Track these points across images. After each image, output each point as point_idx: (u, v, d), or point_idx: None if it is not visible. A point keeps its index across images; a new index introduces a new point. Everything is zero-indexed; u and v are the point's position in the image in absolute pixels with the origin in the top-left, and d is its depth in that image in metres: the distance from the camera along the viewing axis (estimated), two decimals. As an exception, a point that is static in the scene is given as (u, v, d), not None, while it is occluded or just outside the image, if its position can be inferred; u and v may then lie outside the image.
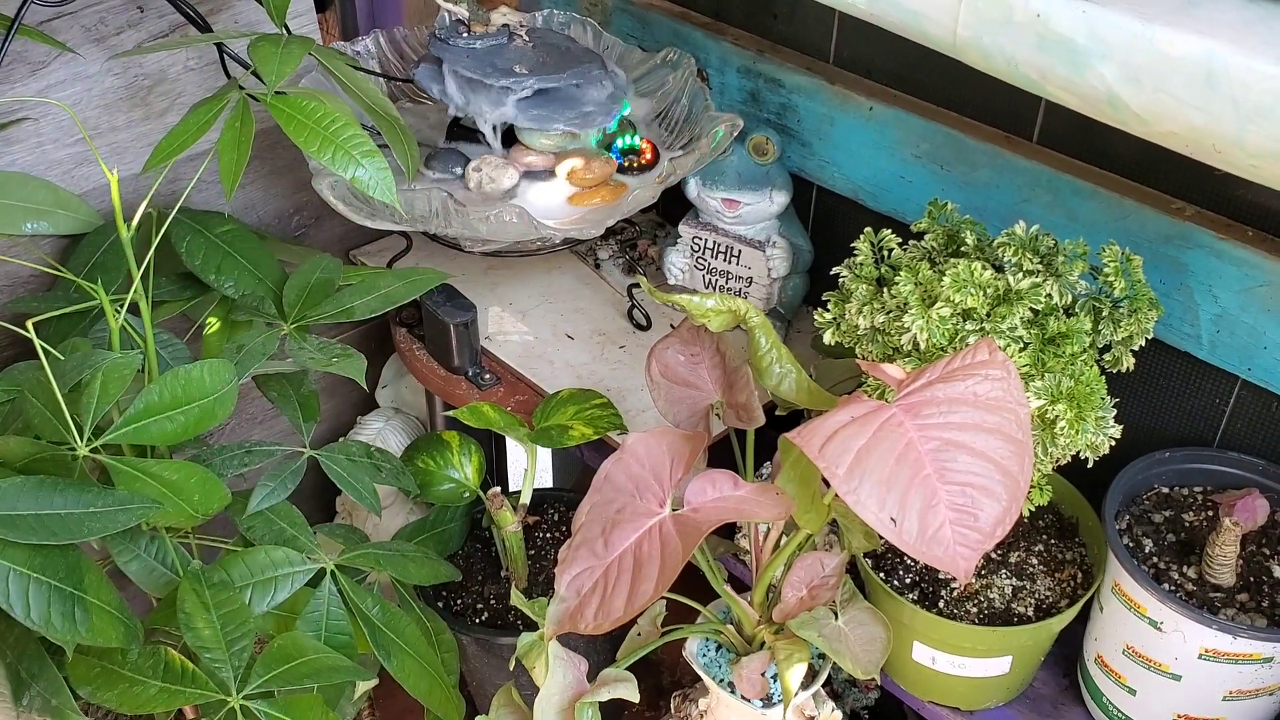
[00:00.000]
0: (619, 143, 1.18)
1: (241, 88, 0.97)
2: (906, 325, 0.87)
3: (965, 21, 0.74)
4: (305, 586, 0.97)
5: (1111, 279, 0.88)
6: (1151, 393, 1.06)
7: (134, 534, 0.94)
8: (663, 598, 0.99)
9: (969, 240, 0.93)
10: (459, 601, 1.15)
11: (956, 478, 0.74)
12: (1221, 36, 0.66)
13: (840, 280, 0.96)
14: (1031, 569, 1.03)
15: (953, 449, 0.75)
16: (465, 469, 1.13)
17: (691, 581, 0.94)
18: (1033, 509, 0.94)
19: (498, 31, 1.13)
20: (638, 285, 1.27)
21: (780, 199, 1.17)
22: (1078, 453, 0.87)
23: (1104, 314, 0.90)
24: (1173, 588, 0.94)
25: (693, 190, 1.19)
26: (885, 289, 0.92)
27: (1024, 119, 1.05)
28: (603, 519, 0.81)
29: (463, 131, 1.19)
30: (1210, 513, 1.00)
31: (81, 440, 0.86)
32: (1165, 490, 1.03)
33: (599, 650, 1.14)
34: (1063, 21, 0.70)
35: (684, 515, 0.79)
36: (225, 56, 1.09)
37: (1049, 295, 0.87)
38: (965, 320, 0.87)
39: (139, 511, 0.84)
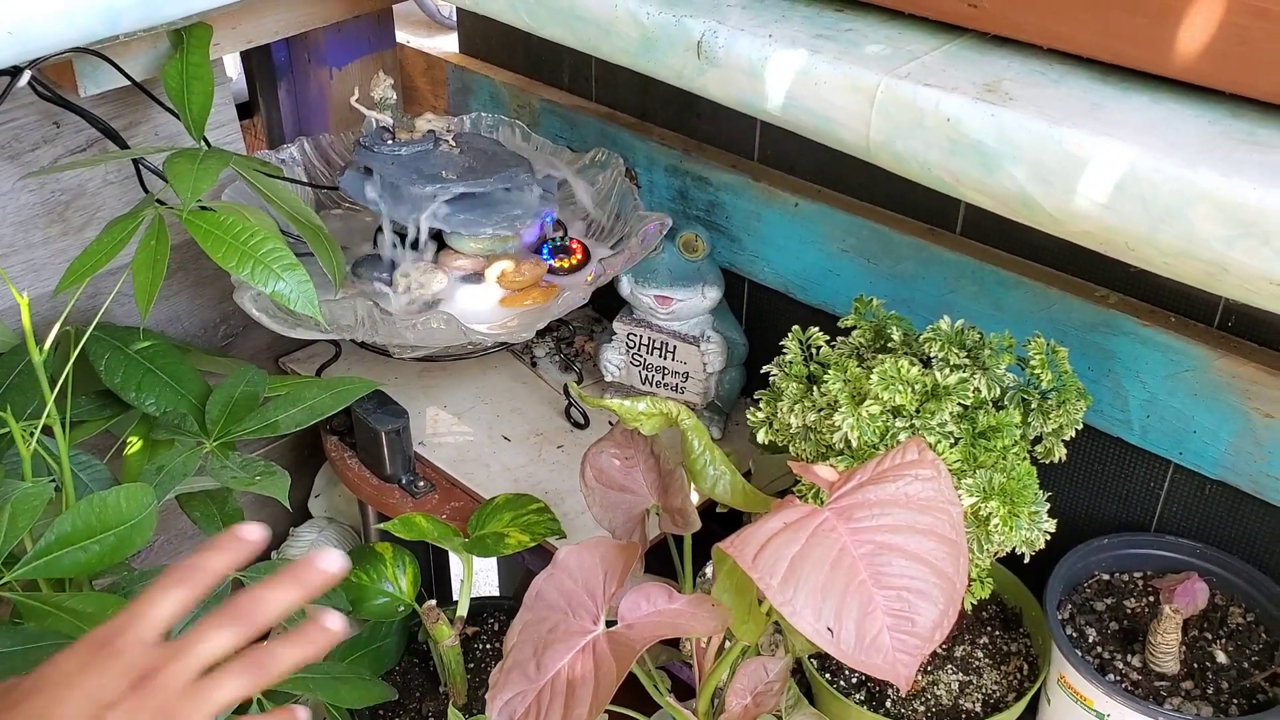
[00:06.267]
0: (549, 244, 1.17)
1: (161, 201, 0.96)
2: (837, 424, 0.87)
3: (878, 126, 0.75)
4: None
5: (1038, 371, 0.89)
6: (1088, 479, 1.06)
7: (48, 668, 0.89)
8: (607, 712, 0.96)
9: (895, 336, 0.93)
10: (396, 720, 1.11)
11: (892, 582, 0.73)
12: (1128, 138, 0.67)
13: (770, 379, 0.95)
14: (978, 663, 1.01)
15: (887, 552, 0.74)
16: (400, 582, 1.10)
17: (637, 691, 0.92)
18: (975, 602, 0.93)
19: (423, 138, 1.12)
20: (576, 381, 1.26)
21: (712, 294, 1.17)
22: (1014, 549, 0.86)
23: (1033, 406, 0.90)
24: (1118, 678, 0.93)
25: (626, 288, 1.19)
26: (815, 387, 0.92)
27: (946, 212, 1.06)
28: (535, 639, 0.78)
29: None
30: (1151, 598, 1.00)
31: (-12, 576, 0.82)
32: (1106, 577, 1.02)
33: (543, 764, 1.10)
34: (972, 125, 0.71)
35: (618, 633, 0.77)
36: (143, 170, 1.08)
37: (977, 389, 0.87)
38: (895, 417, 0.86)
39: (50, 648, 0.81)
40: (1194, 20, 0.68)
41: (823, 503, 0.76)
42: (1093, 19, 0.71)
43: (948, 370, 0.87)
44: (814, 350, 0.95)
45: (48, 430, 0.91)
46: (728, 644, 0.92)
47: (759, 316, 1.25)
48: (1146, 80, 0.72)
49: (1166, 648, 0.93)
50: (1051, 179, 0.70)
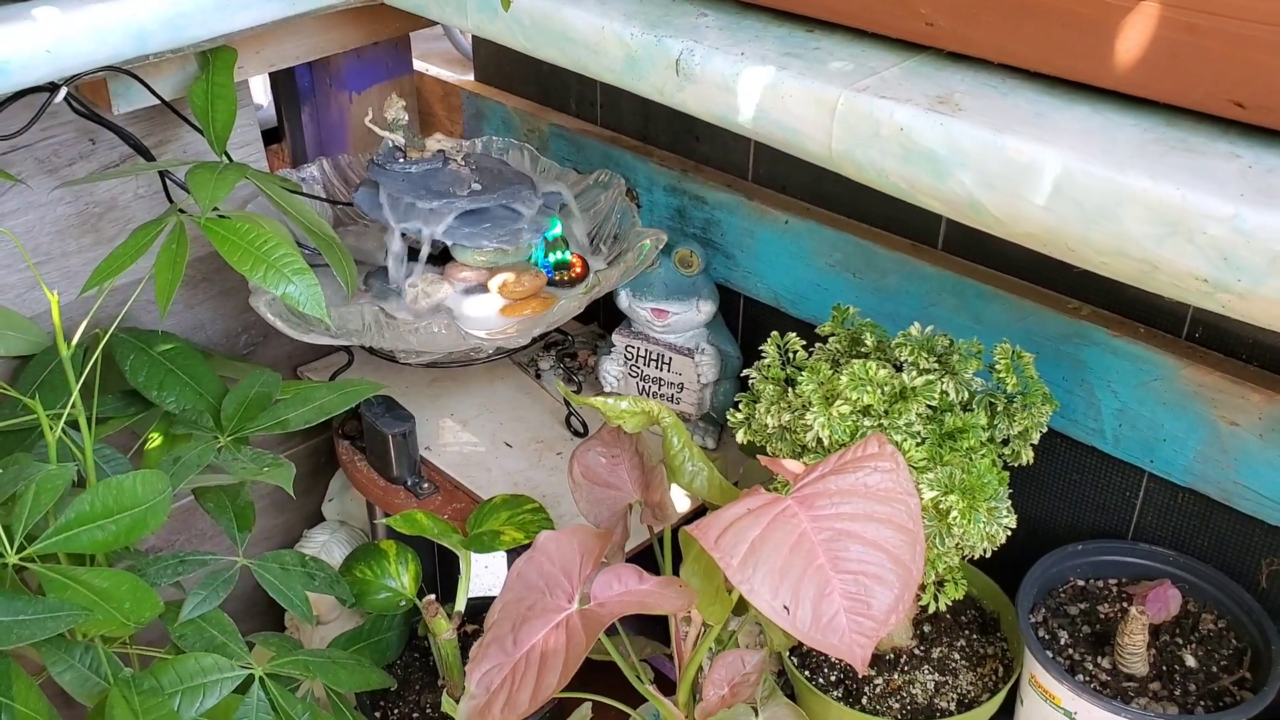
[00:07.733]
0: (550, 258, 1.23)
1: (183, 211, 1.02)
2: (809, 423, 0.91)
3: (838, 136, 0.80)
4: (234, 693, 0.98)
5: (1003, 375, 0.92)
6: (1065, 487, 1.09)
7: (68, 645, 0.95)
8: (592, 701, 1.00)
9: (869, 342, 0.97)
10: (396, 711, 1.16)
11: (849, 566, 0.77)
12: (1065, 144, 0.72)
13: (750, 381, 1.00)
14: (954, 664, 1.04)
15: (845, 538, 0.78)
16: (402, 578, 1.14)
17: (624, 686, 0.95)
18: (949, 604, 0.97)
19: (433, 157, 1.19)
20: (575, 391, 1.31)
21: (707, 308, 1.22)
22: (975, 545, 0.90)
23: (999, 409, 0.93)
24: (1086, 678, 0.96)
25: (624, 301, 1.24)
26: (791, 389, 0.96)
27: (928, 228, 1.11)
28: (513, 616, 0.83)
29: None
30: (1125, 604, 1.02)
31: (12, 549, 0.88)
32: (1080, 583, 1.05)
33: (534, 757, 1.14)
34: (924, 134, 0.76)
35: (589, 610, 0.81)
36: (168, 183, 1.15)
37: (944, 392, 0.91)
38: (864, 417, 0.90)
39: (68, 618, 0.86)
40: (1129, 35, 0.72)
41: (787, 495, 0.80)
42: (1038, 35, 0.76)
43: (916, 373, 0.92)
44: (791, 355, 0.99)
45: (75, 423, 0.97)
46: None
47: (753, 330, 1.29)
48: (1090, 92, 0.76)
49: (1134, 649, 0.95)
50: (996, 184, 0.74)
